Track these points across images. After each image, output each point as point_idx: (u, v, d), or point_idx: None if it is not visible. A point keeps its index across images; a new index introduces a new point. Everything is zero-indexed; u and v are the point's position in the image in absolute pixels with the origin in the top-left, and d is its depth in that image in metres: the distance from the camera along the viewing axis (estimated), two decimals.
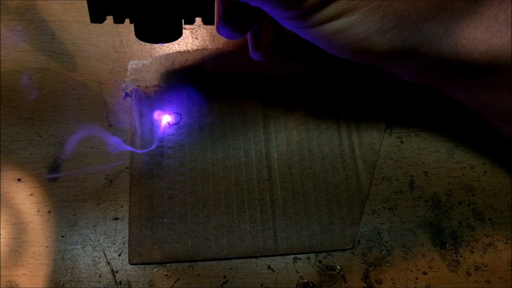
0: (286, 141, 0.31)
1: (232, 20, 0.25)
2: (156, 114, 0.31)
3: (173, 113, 0.31)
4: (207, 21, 0.24)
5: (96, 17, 0.22)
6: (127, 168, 0.31)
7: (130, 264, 0.28)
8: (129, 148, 0.30)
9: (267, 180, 0.30)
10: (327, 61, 0.33)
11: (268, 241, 0.29)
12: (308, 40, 0.24)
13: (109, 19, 0.23)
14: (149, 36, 0.26)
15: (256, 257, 0.29)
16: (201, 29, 0.35)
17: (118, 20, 0.24)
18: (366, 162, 0.31)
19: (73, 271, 0.28)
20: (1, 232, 0.29)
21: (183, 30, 0.25)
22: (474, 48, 0.22)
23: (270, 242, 0.29)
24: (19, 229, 0.29)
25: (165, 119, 0.31)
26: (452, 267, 0.29)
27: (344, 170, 0.30)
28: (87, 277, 0.28)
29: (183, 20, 0.25)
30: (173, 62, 0.34)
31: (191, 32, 0.35)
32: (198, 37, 0.35)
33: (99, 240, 0.29)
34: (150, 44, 0.35)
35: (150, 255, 0.28)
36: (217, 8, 0.26)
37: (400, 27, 0.21)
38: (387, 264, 0.29)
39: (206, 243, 0.29)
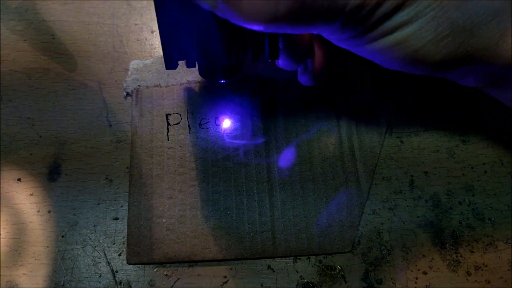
0: (285, 142, 0.31)
1: (293, 52, 0.26)
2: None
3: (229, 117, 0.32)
4: (272, 56, 0.26)
5: (171, 65, 0.25)
6: (127, 168, 0.31)
7: (128, 264, 0.28)
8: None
9: (266, 181, 0.30)
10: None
11: (266, 243, 0.29)
12: (362, 55, 0.24)
13: None
14: (214, 75, 0.29)
15: (255, 258, 0.29)
16: None
17: (190, 65, 0.26)
18: (366, 165, 0.31)
19: (73, 271, 0.28)
20: (1, 232, 0.29)
21: None
22: None
23: (269, 244, 0.29)
24: (19, 229, 0.29)
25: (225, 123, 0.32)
26: (452, 267, 0.29)
27: (344, 173, 0.30)
28: (87, 277, 0.28)
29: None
30: None
31: None
32: None
33: (99, 240, 0.29)
34: (150, 44, 0.35)
35: (149, 255, 0.28)
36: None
37: (454, 34, 0.21)
38: (387, 264, 0.29)
39: (204, 244, 0.29)
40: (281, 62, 0.27)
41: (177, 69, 0.33)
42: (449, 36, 0.21)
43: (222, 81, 0.32)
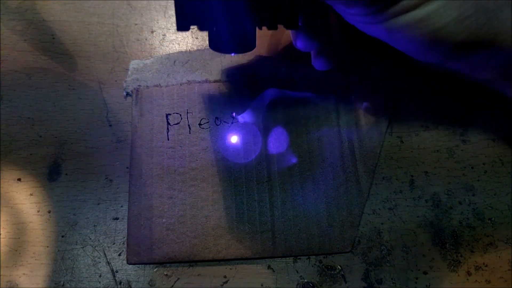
0: (286, 143, 0.31)
1: (311, 28, 0.25)
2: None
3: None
4: (291, 26, 0.24)
5: (182, 26, 0.24)
6: (127, 168, 0.31)
7: (128, 264, 0.28)
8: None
9: (266, 181, 0.30)
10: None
11: (266, 243, 0.29)
12: (377, 36, 0.23)
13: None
14: (224, 45, 0.27)
15: (255, 258, 0.29)
16: None
17: (202, 28, 0.25)
18: (366, 165, 0.31)
19: (73, 271, 0.28)
20: (1, 232, 0.29)
21: None
22: None
23: (269, 244, 0.29)
24: (19, 229, 0.29)
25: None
26: (452, 267, 0.29)
27: (344, 173, 0.30)
28: (87, 277, 0.28)
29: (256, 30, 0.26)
30: (174, 62, 0.34)
31: (191, 32, 0.35)
32: (199, 37, 0.35)
33: (99, 240, 0.29)
34: (150, 44, 0.35)
35: (149, 255, 0.28)
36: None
37: (478, 15, 0.21)
38: (387, 264, 0.29)
39: (204, 244, 0.29)
40: (299, 42, 0.26)
41: (177, 69, 0.33)
42: (472, 16, 0.21)
43: (232, 54, 0.31)
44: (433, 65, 0.28)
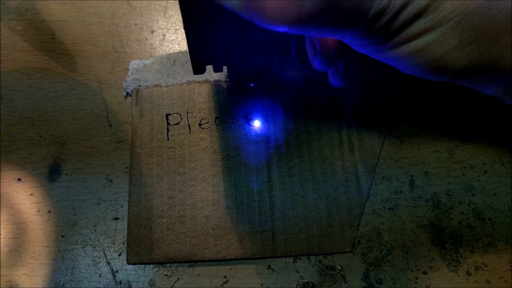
0: (286, 143, 0.31)
1: (327, 53, 0.26)
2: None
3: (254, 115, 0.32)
4: (300, 62, 0.26)
5: (198, 69, 0.25)
6: (127, 168, 0.31)
7: (128, 264, 0.28)
8: None
9: (266, 181, 0.30)
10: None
11: (266, 243, 0.29)
12: (382, 61, 0.24)
13: None
14: (243, 79, 0.29)
15: (255, 258, 0.29)
16: None
17: (217, 70, 0.26)
18: (366, 165, 0.31)
19: (73, 271, 0.28)
20: (1, 232, 0.29)
21: None
22: None
23: (269, 244, 0.29)
24: (19, 229, 0.29)
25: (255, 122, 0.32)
26: (452, 267, 0.29)
27: (344, 173, 0.30)
28: (87, 277, 0.28)
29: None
30: (174, 62, 0.34)
31: None
32: None
33: (99, 240, 0.29)
34: (150, 44, 0.35)
35: (149, 255, 0.28)
36: (311, 44, 0.28)
37: (478, 42, 0.21)
38: (387, 264, 0.29)
39: (204, 243, 0.29)
40: (316, 63, 0.27)
41: (177, 69, 0.33)
42: (473, 43, 0.21)
43: (251, 84, 0.32)
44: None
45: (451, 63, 0.22)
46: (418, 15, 0.20)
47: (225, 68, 0.29)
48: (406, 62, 0.23)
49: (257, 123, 0.32)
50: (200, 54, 0.24)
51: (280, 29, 0.20)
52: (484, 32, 0.21)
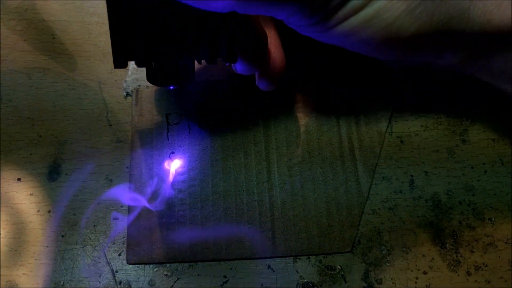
0: (286, 143, 0.31)
1: (249, 56, 0.25)
2: (166, 164, 0.30)
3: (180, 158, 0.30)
4: (230, 60, 0.24)
5: (119, 63, 0.23)
6: (127, 168, 0.31)
7: (128, 264, 0.28)
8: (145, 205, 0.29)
9: (266, 181, 0.30)
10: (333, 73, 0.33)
11: (266, 242, 0.29)
12: (332, 43, 0.23)
13: None
14: (162, 79, 0.26)
15: (255, 258, 0.29)
16: None
17: (141, 65, 0.24)
18: (366, 165, 0.31)
19: (73, 271, 0.28)
20: (1, 232, 0.29)
21: None
22: (503, 13, 0.21)
23: (269, 244, 0.29)
24: (19, 229, 0.29)
25: (173, 166, 0.30)
26: (452, 267, 0.29)
27: (344, 173, 0.30)
28: (87, 277, 0.28)
29: (195, 63, 0.26)
30: None
31: None
32: None
33: (99, 240, 0.29)
34: None
35: (148, 255, 0.28)
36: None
37: (426, 3, 0.21)
38: (387, 264, 0.29)
39: (204, 244, 0.29)
40: (238, 66, 0.26)
41: None
42: (421, 5, 0.21)
43: (171, 87, 0.30)
44: (400, 62, 0.28)
45: (403, 29, 0.21)
46: None
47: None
48: (356, 37, 0.22)
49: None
50: (123, 45, 0.23)
51: (222, 4, 0.19)
52: None
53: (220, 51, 0.24)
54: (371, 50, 0.23)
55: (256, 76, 0.28)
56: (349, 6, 0.20)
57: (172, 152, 0.31)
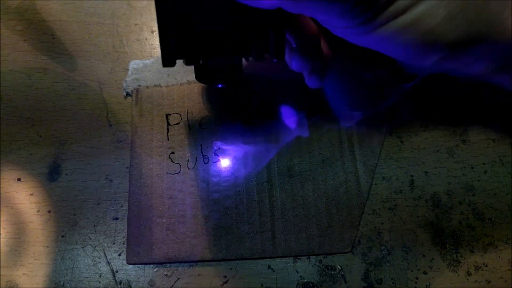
0: (286, 143, 0.31)
1: (304, 50, 0.25)
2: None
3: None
4: (278, 56, 0.24)
5: (168, 61, 0.24)
6: (127, 168, 0.31)
7: (128, 264, 0.28)
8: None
9: (266, 182, 0.30)
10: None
11: (266, 243, 0.29)
12: (367, 45, 0.23)
13: None
14: (211, 78, 0.27)
15: (254, 259, 0.29)
16: None
17: (189, 63, 0.25)
18: (366, 165, 0.31)
19: (73, 271, 0.28)
20: (1, 232, 0.29)
21: None
22: None
23: (269, 244, 0.29)
24: (19, 229, 0.29)
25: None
26: (452, 267, 0.29)
27: (344, 173, 0.30)
28: (87, 277, 0.28)
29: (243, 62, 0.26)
30: None
31: None
32: None
33: (99, 240, 0.29)
34: (150, 44, 0.35)
35: (149, 255, 0.28)
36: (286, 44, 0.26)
37: (467, 10, 0.21)
38: (387, 264, 0.29)
39: (204, 244, 0.29)
40: (294, 63, 0.26)
41: (177, 69, 0.33)
42: (462, 13, 0.21)
43: (219, 86, 0.31)
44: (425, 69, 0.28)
45: (443, 35, 0.21)
46: None
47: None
48: (395, 40, 0.22)
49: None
50: (171, 45, 0.23)
51: (269, 2, 0.19)
52: (471, 1, 0.21)
53: (268, 48, 0.24)
54: (405, 55, 0.23)
55: (306, 74, 0.28)
56: (391, 9, 0.20)
57: (172, 152, 0.31)
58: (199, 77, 0.27)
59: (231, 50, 0.24)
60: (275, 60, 0.25)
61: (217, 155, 0.31)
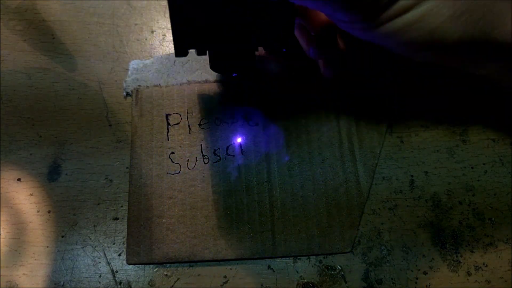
0: (286, 143, 0.31)
1: (325, 40, 0.26)
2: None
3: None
4: (285, 46, 0.25)
5: (181, 51, 0.24)
6: (127, 168, 0.31)
7: (128, 264, 0.28)
8: None
9: (266, 182, 0.30)
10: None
11: (266, 243, 0.29)
12: (372, 40, 0.23)
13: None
14: (226, 67, 0.27)
15: (254, 259, 0.29)
16: None
17: (201, 53, 0.25)
18: (366, 166, 0.31)
19: (73, 271, 0.28)
20: (1, 232, 0.29)
21: None
22: None
23: (269, 244, 0.29)
24: (19, 229, 0.29)
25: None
26: (452, 267, 0.29)
27: (344, 173, 0.30)
28: (87, 277, 0.28)
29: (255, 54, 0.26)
30: (174, 62, 0.34)
31: None
32: None
33: (99, 240, 0.29)
34: (150, 44, 0.35)
35: (148, 256, 0.28)
36: (303, 32, 0.27)
37: (472, 10, 0.21)
38: (387, 264, 0.29)
39: (204, 244, 0.29)
40: (312, 50, 0.26)
41: (177, 69, 0.33)
42: (467, 12, 0.21)
43: (234, 75, 0.31)
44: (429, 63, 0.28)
45: (447, 34, 0.21)
46: None
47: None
48: (398, 38, 0.22)
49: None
50: (183, 33, 0.23)
51: None
52: (477, 1, 0.21)
53: (278, 37, 0.24)
54: (410, 52, 0.23)
55: (322, 63, 0.28)
56: (396, 7, 0.20)
57: (172, 153, 0.31)
58: (213, 66, 0.27)
59: (241, 39, 0.24)
60: (284, 50, 0.25)
61: (217, 155, 0.31)
